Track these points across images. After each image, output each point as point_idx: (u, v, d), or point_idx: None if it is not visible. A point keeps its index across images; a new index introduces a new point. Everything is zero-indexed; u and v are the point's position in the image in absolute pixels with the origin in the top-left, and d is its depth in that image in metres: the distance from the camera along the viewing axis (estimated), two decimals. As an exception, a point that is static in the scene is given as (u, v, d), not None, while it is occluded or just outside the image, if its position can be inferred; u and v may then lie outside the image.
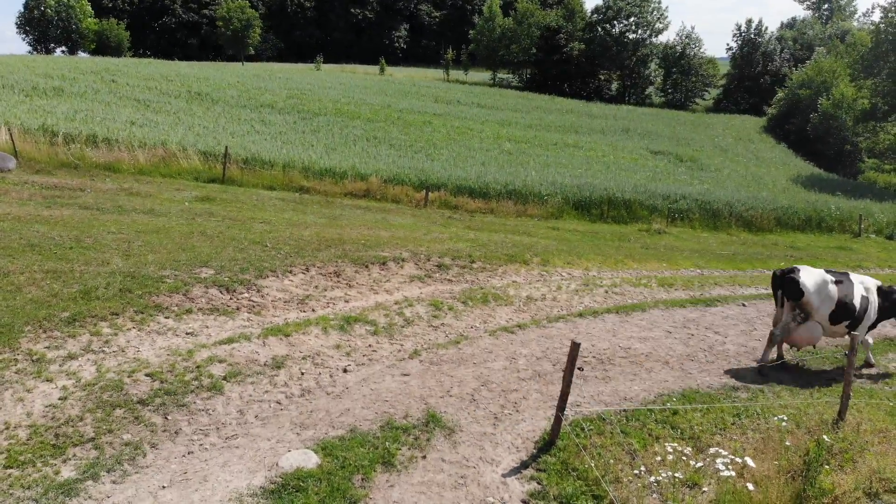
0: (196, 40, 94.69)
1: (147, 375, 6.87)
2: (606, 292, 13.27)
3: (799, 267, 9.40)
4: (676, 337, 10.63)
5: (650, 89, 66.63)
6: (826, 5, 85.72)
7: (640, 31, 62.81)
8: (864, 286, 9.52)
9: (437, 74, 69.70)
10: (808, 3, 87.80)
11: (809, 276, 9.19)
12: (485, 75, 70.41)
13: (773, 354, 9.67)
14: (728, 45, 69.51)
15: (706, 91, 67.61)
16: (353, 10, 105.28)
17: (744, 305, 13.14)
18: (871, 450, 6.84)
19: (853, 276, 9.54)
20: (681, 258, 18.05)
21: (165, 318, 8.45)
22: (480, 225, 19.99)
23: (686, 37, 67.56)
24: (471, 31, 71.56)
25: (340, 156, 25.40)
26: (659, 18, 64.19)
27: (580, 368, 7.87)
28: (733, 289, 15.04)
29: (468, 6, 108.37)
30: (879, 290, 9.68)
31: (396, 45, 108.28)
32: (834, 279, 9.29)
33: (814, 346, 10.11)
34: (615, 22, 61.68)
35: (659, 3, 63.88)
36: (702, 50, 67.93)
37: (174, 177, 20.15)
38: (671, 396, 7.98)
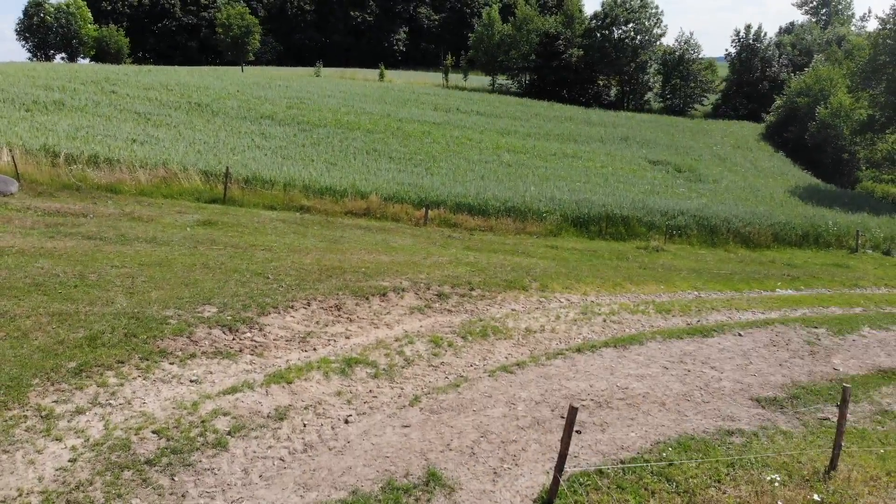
0: (196, 43, 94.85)
1: (154, 433, 7.01)
2: (605, 321, 13.42)
3: None
4: (673, 374, 10.77)
5: (649, 95, 66.76)
6: (824, 10, 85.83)
7: (638, 37, 62.96)
8: None
9: (436, 79, 69.87)
10: (807, 7, 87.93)
11: None
12: (484, 80, 70.56)
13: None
14: (727, 50, 69.51)
15: (705, 97, 67.75)
16: (352, 13, 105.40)
17: (740, 335, 13.28)
18: (860, 503, 7.00)
19: None
20: (678, 279, 18.20)
21: (170, 363, 8.60)
22: (480, 244, 20.14)
23: (685, 42, 67.68)
24: (470, 36, 71.67)
25: (341, 171, 25.54)
26: (657, 24, 64.37)
27: (578, 431, 8.01)
28: (730, 314, 15.18)
29: (467, 9, 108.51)
30: None
31: (396, 48, 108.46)
32: None
33: None
34: (613, 28, 61.82)
35: (657, 8, 64.09)
36: (700, 54, 68.10)
37: (175, 197, 20.29)
38: (667, 445, 8.13)
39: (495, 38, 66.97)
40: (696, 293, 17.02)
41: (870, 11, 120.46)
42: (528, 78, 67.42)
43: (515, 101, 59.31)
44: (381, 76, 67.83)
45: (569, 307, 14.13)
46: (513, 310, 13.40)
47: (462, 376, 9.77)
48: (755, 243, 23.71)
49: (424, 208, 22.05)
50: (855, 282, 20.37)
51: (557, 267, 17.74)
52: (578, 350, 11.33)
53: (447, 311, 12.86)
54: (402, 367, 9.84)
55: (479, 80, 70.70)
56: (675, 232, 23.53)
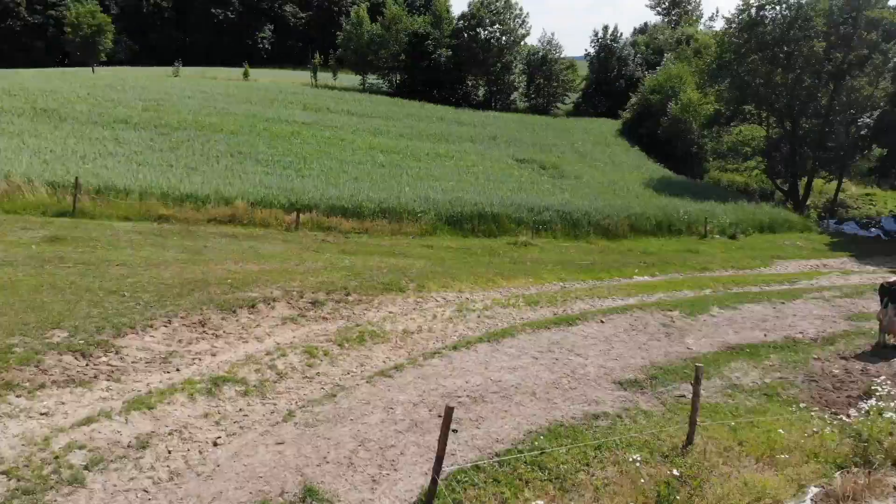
0: (42, 43, 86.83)
1: (2, 473, 6.36)
2: (479, 317, 13.73)
3: None
4: (542, 363, 11.22)
5: (515, 95, 69.09)
6: (675, 10, 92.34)
7: (503, 38, 64.96)
8: None
9: (304, 78, 68.38)
10: (659, 8, 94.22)
11: None
12: (354, 79, 69.91)
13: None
14: (586, 50, 73.36)
15: (567, 96, 71.09)
16: (213, 11, 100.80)
17: (602, 322, 14.03)
18: (716, 473, 7.62)
19: None
20: (545, 272, 18.97)
21: (17, 396, 7.82)
22: (355, 248, 19.95)
23: (547, 43, 70.64)
24: (339, 34, 70.69)
25: (203, 177, 24.35)
26: (521, 25, 66.76)
27: (455, 430, 8.13)
28: (593, 302, 16.00)
29: (335, 7, 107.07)
30: None
31: (261, 45, 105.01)
32: None
33: None
34: (480, 29, 63.38)
35: (521, 10, 66.45)
36: (562, 54, 71.25)
37: (19, 212, 18.49)
38: (539, 433, 8.45)
39: (364, 38, 66.59)
40: (561, 284, 17.81)
41: (717, 11, 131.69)
42: (398, 77, 67.64)
43: (387, 100, 59.30)
44: (246, 75, 65.44)
45: (445, 306, 14.33)
46: (390, 312, 13.39)
47: (339, 385, 9.64)
48: (614, 234, 25.20)
49: (295, 212, 21.53)
50: (704, 265, 22.14)
51: (434, 266, 17.94)
52: (455, 347, 11.52)
53: (322, 318, 12.64)
54: (275, 382, 9.55)
55: (349, 79, 69.95)
56: (541, 227, 24.51)
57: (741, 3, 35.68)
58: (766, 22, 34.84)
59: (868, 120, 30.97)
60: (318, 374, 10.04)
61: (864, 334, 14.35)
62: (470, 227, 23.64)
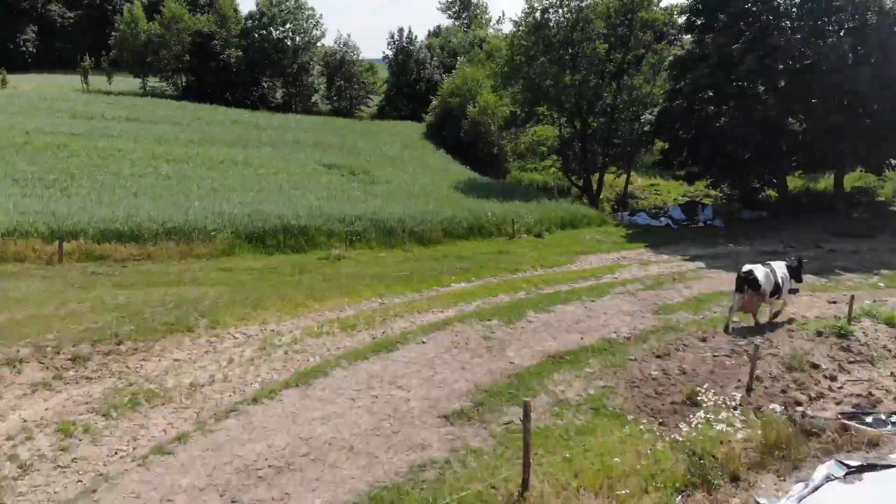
0: None
1: None
2: (286, 354, 12.07)
3: (752, 267, 14.09)
4: (361, 405, 9.89)
5: (315, 97, 66.90)
6: (465, 13, 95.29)
7: (297, 38, 62.39)
8: (781, 268, 14.51)
9: (75, 83, 60.50)
10: (450, 11, 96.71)
11: (759, 272, 13.89)
12: (134, 83, 63.06)
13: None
14: (384, 52, 73.02)
15: (369, 98, 70.29)
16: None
17: (423, 342, 13.06)
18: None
19: (774, 264, 14.56)
20: (362, 287, 17.70)
21: None
22: (134, 279, 17.12)
23: (343, 44, 69.17)
24: (113, 34, 63.26)
25: (-67, 204, 19.77)
26: (316, 25, 64.66)
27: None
28: (413, 318, 15.01)
29: (108, 6, 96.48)
30: (788, 267, 14.86)
31: (24, 49, 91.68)
32: (768, 270, 14.09)
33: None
34: (272, 28, 60.28)
35: (312, 9, 64.29)
36: (360, 56, 70.29)
37: None
38: (358, 506, 7.10)
39: (141, 38, 60.28)
40: (379, 300, 16.63)
41: (504, 14, 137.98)
42: (185, 80, 62.22)
43: (173, 104, 54.26)
44: (3, 82, 56.46)
45: (245, 344, 12.45)
46: (175, 361, 11.26)
47: (101, 475, 7.55)
48: (429, 240, 24.57)
49: (58, 241, 18.08)
50: (516, 266, 22.17)
51: (232, 294, 15.84)
52: (255, 400, 9.79)
53: (85, 379, 10.24)
54: (15, 479, 7.28)
55: (127, 82, 62.96)
56: (355, 237, 23.16)
57: (527, 6, 37.06)
58: (552, 24, 36.48)
59: (650, 116, 33.61)
60: (74, 460, 7.85)
61: (673, 329, 14.82)
62: (275, 242, 21.59)
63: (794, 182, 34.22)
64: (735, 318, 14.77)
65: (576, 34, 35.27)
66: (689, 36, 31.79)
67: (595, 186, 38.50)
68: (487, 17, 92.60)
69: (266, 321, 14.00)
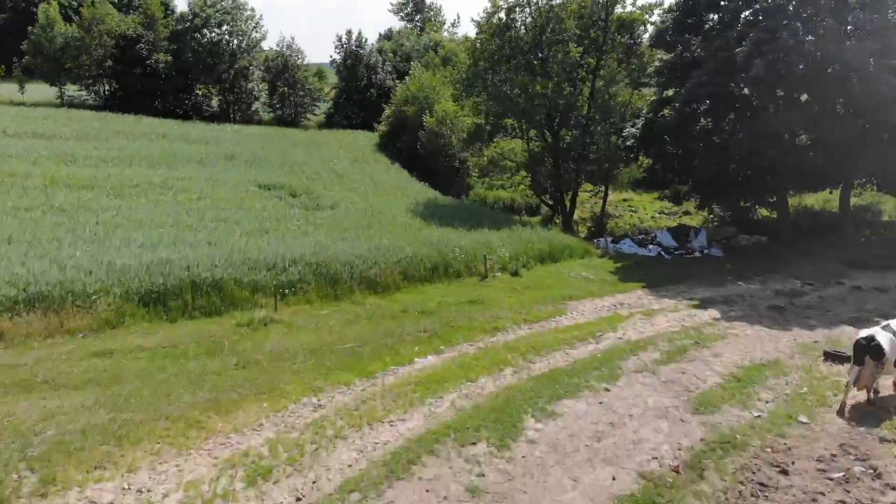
0: None
1: None
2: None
3: (873, 332, 11.79)
4: None
5: (256, 105, 61.27)
6: (418, 16, 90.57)
7: (235, 41, 56.72)
8: None
9: (-15, 92, 53.61)
10: (402, 14, 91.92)
11: (884, 338, 11.60)
12: (50, 92, 56.22)
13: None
14: (331, 56, 67.94)
15: (316, 106, 65.09)
16: None
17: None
18: None
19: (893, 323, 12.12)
20: (290, 377, 12.96)
21: None
22: (-42, 382, 11.91)
23: (287, 47, 63.85)
24: (24, 42, 56.12)
25: None
26: (255, 27, 59.04)
27: None
28: (362, 441, 10.40)
29: (34, 9, 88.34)
30: None
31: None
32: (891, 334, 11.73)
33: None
34: (206, 30, 54.45)
35: (252, 10, 58.70)
36: (306, 60, 65.20)
37: None
38: None
39: (58, 42, 53.62)
40: (314, 401, 11.92)
41: (459, 17, 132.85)
42: (107, 88, 55.77)
43: (92, 115, 48.08)
44: None
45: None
46: None
47: None
48: (384, 287, 19.87)
49: None
50: (494, 323, 17.69)
51: (94, 411, 10.87)
52: None
53: None
54: None
55: (43, 91, 56.09)
56: (288, 290, 18.27)
57: (490, 5, 32.71)
58: (518, 26, 32.22)
59: (634, 129, 29.54)
60: None
61: (731, 445, 10.48)
62: (179, 304, 16.50)
63: (791, 201, 30.63)
64: (851, 395, 12.12)
65: (545, 36, 31.03)
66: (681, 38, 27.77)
67: (568, 206, 34.34)
68: (441, 19, 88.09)
69: (134, 468, 9.10)
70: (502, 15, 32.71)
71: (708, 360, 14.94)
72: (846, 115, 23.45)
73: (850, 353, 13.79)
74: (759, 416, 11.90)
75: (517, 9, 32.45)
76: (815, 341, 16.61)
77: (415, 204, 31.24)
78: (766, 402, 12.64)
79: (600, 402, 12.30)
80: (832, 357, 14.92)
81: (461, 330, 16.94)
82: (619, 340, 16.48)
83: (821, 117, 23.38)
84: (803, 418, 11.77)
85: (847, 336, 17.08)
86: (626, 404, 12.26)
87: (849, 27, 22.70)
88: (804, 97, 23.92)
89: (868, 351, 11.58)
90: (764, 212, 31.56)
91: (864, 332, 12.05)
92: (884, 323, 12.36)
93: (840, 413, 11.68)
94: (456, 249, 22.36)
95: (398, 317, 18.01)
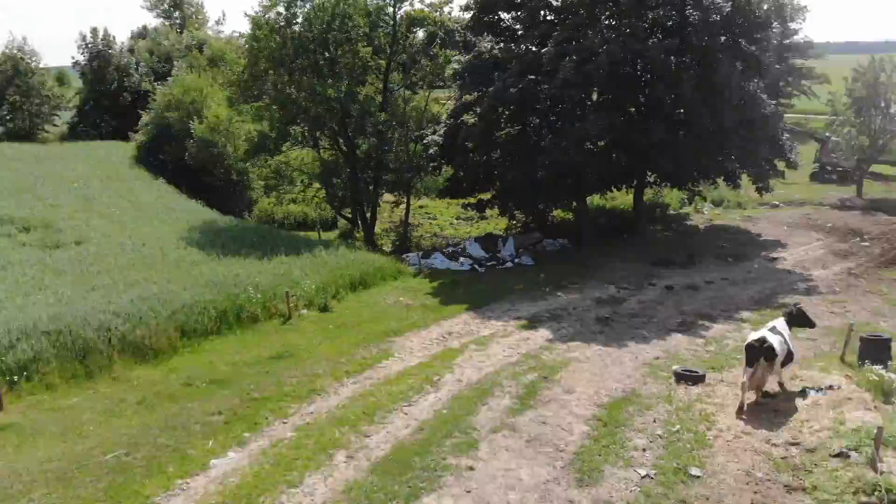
0: None
1: None
2: None
3: (764, 334, 12.04)
4: None
5: (-16, 117, 50.25)
6: (177, 13, 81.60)
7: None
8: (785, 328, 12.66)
9: None
10: (158, 10, 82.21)
11: (775, 341, 11.93)
12: None
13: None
14: (73, 58, 58.17)
15: (57, 115, 55.09)
16: None
17: None
18: None
19: (778, 324, 12.67)
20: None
21: None
22: None
23: (18, 49, 53.45)
24: None
25: None
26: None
27: None
28: None
29: None
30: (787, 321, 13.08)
31: None
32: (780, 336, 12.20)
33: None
34: None
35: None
36: (42, 63, 55.22)
37: None
38: None
39: None
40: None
41: (224, 15, 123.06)
42: None
43: None
44: None
45: None
46: None
47: None
48: (157, 352, 15.35)
49: None
50: (310, 383, 14.38)
51: None
52: None
53: None
54: None
55: None
56: (18, 375, 13.17)
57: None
58: (300, 20, 28.71)
59: (436, 137, 27.50)
60: None
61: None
62: None
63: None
64: (748, 396, 12.27)
65: (332, 34, 27.91)
66: (479, 38, 26.26)
67: (369, 218, 31.66)
68: (204, 16, 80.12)
69: None
70: (281, 8, 28.90)
71: (563, 401, 13.18)
72: (650, 114, 23.55)
73: (698, 371, 14.15)
74: (645, 476, 10.18)
75: (298, 2, 28.87)
76: (657, 357, 15.76)
77: (189, 229, 26.16)
78: (644, 450, 11.05)
79: (468, 492, 9.70)
80: (684, 378, 13.99)
81: (268, 401, 13.31)
82: (460, 384, 14.15)
83: (630, 122, 23.36)
84: (695, 471, 10.27)
85: (683, 347, 16.53)
86: (500, 487, 9.83)
87: (642, 23, 22.62)
88: (609, 97, 23.64)
89: (762, 353, 11.90)
90: (560, 213, 31.56)
91: (754, 335, 12.39)
92: (770, 325, 12.70)
93: (738, 413, 11.94)
94: (249, 288, 18.37)
95: (180, 395, 13.76)
